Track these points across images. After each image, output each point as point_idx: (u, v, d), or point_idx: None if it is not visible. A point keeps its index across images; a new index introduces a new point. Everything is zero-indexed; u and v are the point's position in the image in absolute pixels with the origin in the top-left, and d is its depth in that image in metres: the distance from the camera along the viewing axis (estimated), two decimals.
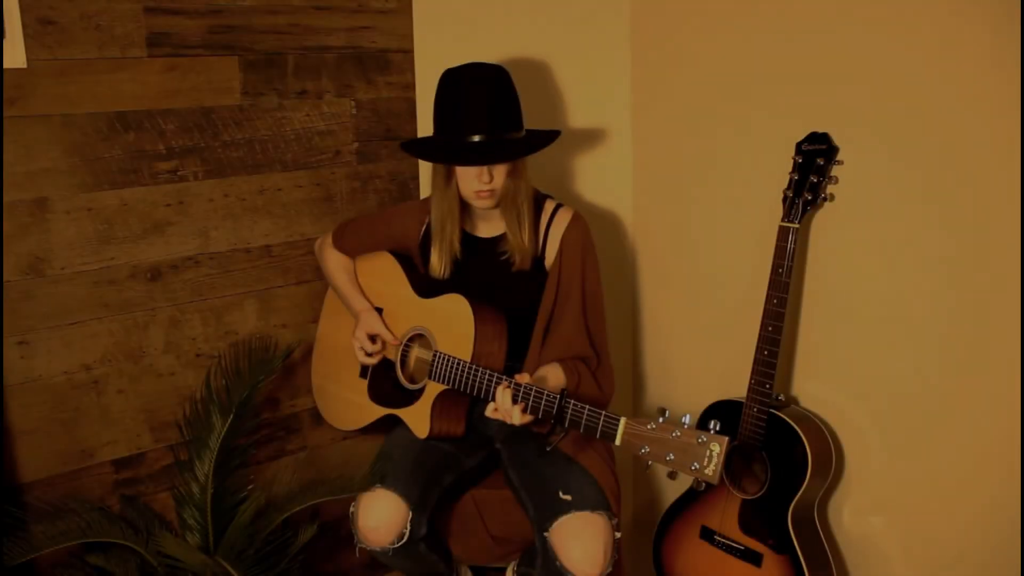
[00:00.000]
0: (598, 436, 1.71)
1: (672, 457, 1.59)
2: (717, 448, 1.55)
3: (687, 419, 1.61)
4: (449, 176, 1.95)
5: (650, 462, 1.63)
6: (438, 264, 2.02)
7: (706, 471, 1.55)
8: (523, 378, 1.80)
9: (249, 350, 2.20)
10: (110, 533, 1.95)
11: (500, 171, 1.89)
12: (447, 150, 1.91)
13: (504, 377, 1.83)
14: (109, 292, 2.05)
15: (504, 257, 2.01)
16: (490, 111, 1.86)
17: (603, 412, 1.69)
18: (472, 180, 1.89)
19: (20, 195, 1.91)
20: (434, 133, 1.95)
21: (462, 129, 1.87)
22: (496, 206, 1.96)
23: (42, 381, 2.01)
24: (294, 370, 2.35)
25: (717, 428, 1.57)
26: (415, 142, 2.15)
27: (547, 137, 1.96)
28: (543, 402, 1.77)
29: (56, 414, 2.03)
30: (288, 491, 2.10)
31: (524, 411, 1.78)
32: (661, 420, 1.63)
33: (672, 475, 1.62)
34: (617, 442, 1.67)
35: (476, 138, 1.86)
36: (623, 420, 1.67)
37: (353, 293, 2.17)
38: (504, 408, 1.79)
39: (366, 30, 2.27)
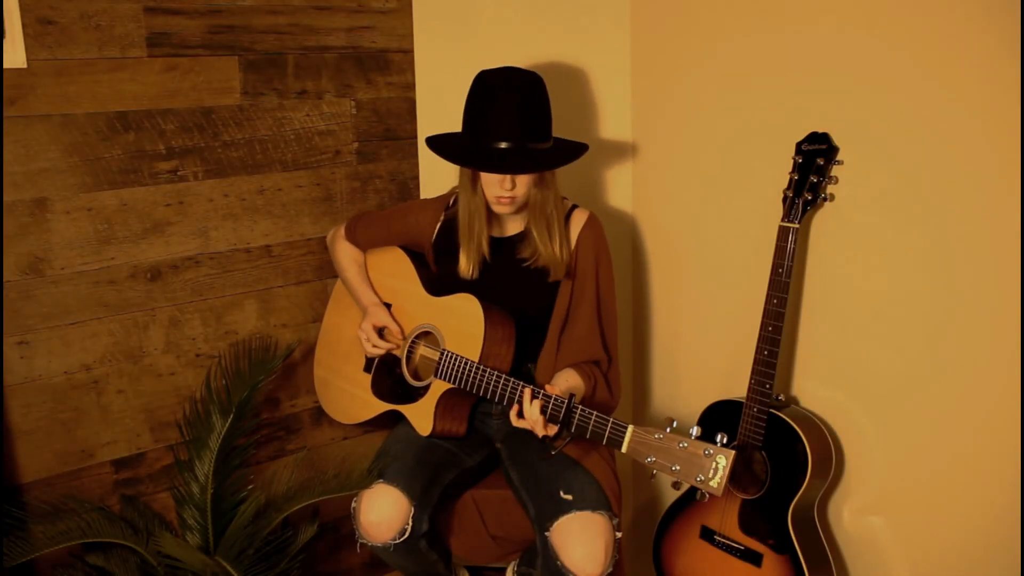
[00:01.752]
0: (604, 443, 1.70)
1: (678, 468, 1.59)
2: (723, 461, 1.54)
3: (695, 431, 1.60)
4: (475, 178, 1.94)
5: (655, 471, 1.63)
6: (467, 266, 2.00)
7: (711, 483, 1.55)
8: (552, 389, 1.78)
9: (249, 350, 2.20)
10: (110, 533, 1.95)
11: (523, 180, 1.88)
12: (471, 153, 1.90)
13: (532, 386, 1.80)
14: (109, 292, 2.05)
15: (521, 256, 2.00)
16: (519, 119, 1.85)
17: (611, 419, 1.69)
18: (494, 186, 1.89)
19: (20, 195, 1.91)
20: (462, 132, 1.94)
21: (489, 133, 1.86)
22: (517, 212, 1.95)
23: (42, 381, 2.01)
24: (294, 370, 2.35)
25: (724, 441, 1.55)
26: (440, 140, 2.02)
27: (573, 151, 1.94)
28: (550, 405, 1.76)
29: (56, 414, 2.03)
30: (287, 491, 2.11)
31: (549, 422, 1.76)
32: (668, 430, 1.62)
33: (676, 485, 1.62)
34: (623, 449, 1.66)
35: (502, 144, 1.85)
36: (630, 428, 1.66)
37: (363, 287, 2.17)
38: (532, 419, 1.77)
39: (366, 30, 2.27)
